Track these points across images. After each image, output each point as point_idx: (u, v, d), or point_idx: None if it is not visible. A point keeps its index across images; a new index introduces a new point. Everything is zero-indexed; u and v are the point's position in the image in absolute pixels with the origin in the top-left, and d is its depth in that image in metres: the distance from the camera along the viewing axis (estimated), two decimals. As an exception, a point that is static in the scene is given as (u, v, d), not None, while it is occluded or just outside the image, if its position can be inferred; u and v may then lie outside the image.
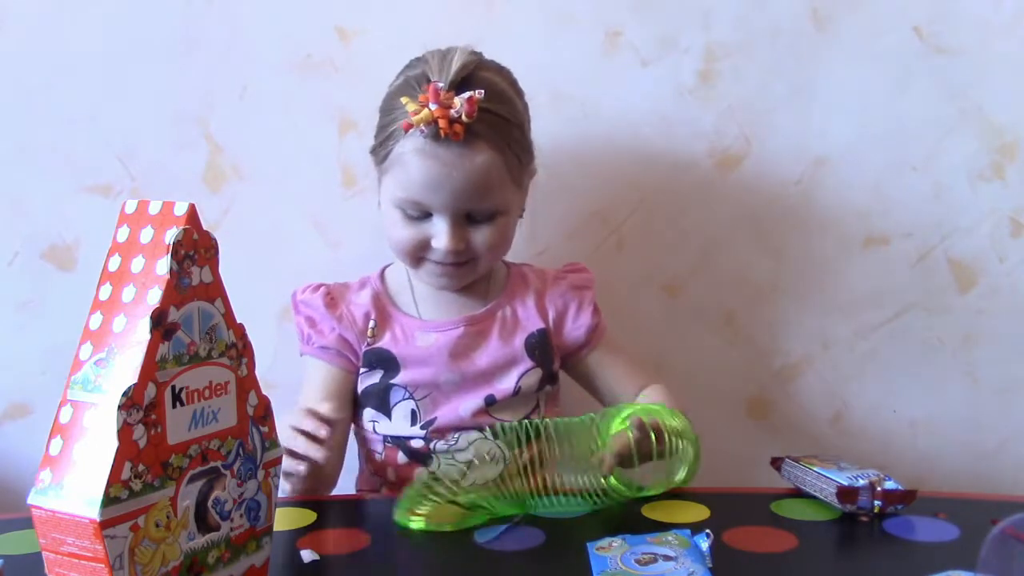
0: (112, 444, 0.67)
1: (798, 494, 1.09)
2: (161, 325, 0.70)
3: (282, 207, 1.34)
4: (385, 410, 1.19)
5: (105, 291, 0.72)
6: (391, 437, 1.19)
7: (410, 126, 1.08)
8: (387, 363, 1.19)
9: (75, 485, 0.68)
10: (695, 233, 1.40)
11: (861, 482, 1.03)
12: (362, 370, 1.20)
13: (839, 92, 1.38)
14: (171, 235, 0.71)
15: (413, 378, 1.18)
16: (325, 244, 1.35)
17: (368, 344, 1.19)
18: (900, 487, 1.04)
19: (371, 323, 1.20)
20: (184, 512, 0.73)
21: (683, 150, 1.38)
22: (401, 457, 1.19)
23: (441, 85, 1.08)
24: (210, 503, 0.75)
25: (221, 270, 0.75)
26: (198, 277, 0.73)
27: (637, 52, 1.36)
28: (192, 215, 0.72)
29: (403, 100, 1.10)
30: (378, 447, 1.20)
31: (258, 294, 1.32)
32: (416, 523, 0.97)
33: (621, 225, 1.39)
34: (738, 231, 1.40)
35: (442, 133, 1.07)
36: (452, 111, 1.07)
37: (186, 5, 1.30)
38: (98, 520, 0.66)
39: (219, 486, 0.75)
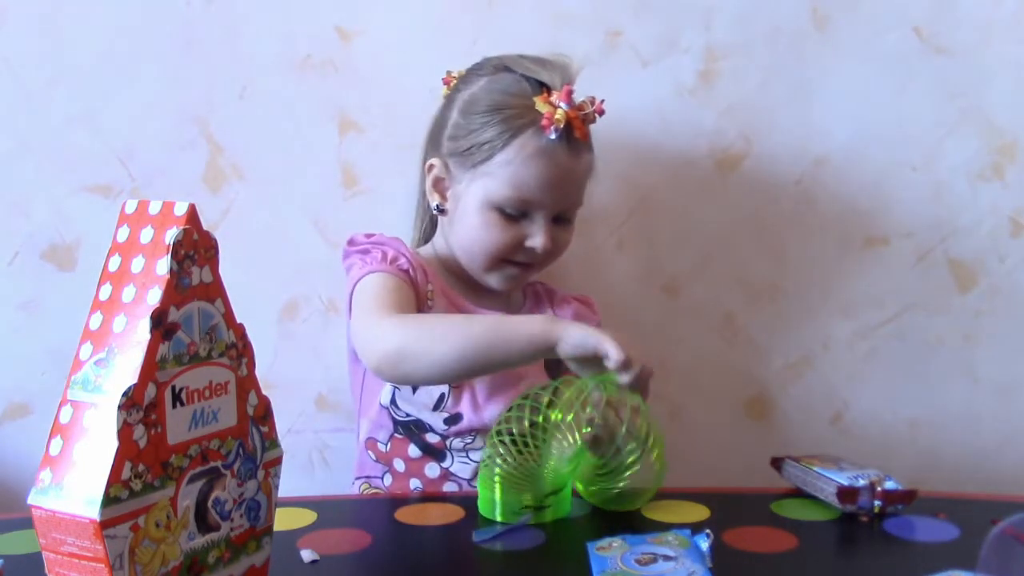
0: (112, 444, 0.67)
1: (798, 494, 1.10)
2: (161, 325, 0.70)
3: (282, 207, 1.34)
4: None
5: (105, 291, 0.72)
6: (402, 424, 1.18)
7: (549, 125, 1.10)
8: None
9: (75, 485, 0.68)
10: (695, 233, 1.40)
11: (861, 482, 1.03)
12: None
13: (839, 92, 1.38)
14: (171, 235, 0.71)
15: None
16: (325, 244, 1.35)
17: (428, 306, 1.17)
18: (900, 487, 1.04)
19: (429, 285, 1.18)
20: (184, 512, 0.73)
21: (683, 150, 1.38)
22: (413, 450, 1.18)
23: (573, 88, 1.12)
24: (210, 503, 0.75)
25: (221, 270, 0.75)
26: (198, 277, 0.73)
27: (637, 52, 1.36)
28: (192, 215, 0.72)
29: (536, 100, 1.12)
30: (382, 436, 1.19)
31: (258, 294, 1.33)
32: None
33: (621, 225, 1.39)
34: (738, 231, 1.40)
35: (577, 134, 1.12)
36: (582, 113, 1.12)
37: (186, 5, 1.30)
38: (98, 520, 0.66)
39: (219, 486, 0.75)
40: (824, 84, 1.37)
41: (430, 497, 1.12)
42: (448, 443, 1.17)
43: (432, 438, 1.17)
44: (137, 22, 1.30)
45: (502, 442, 1.00)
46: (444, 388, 1.16)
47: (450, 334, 1.03)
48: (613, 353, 0.97)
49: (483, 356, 1.02)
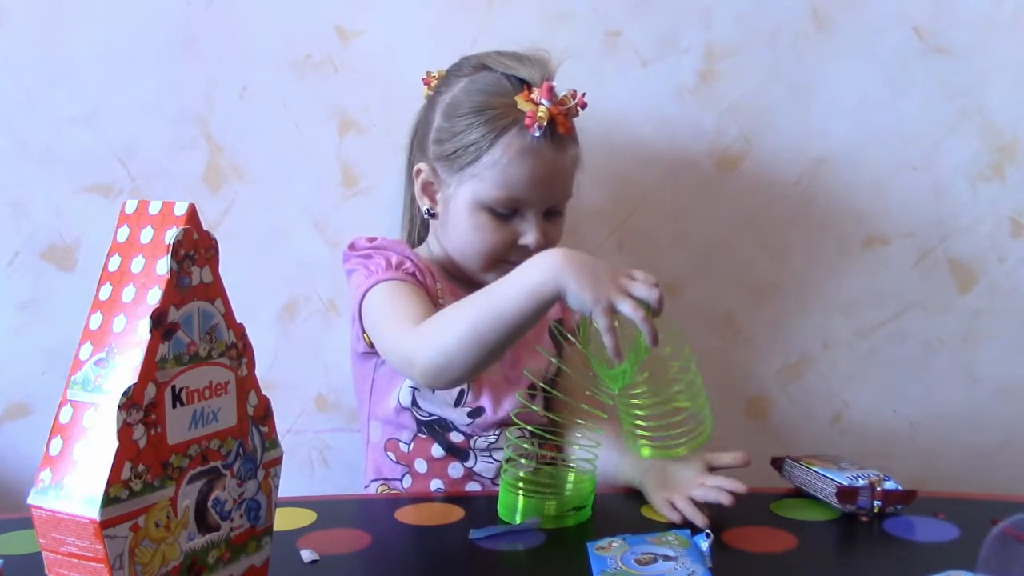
0: (112, 444, 0.67)
1: (798, 494, 1.10)
2: (161, 325, 0.70)
3: (282, 207, 1.34)
4: None
5: (105, 291, 0.72)
6: (426, 424, 1.17)
7: (533, 123, 1.10)
8: None
9: (75, 485, 0.68)
10: (695, 233, 1.40)
11: (861, 482, 1.03)
12: None
13: (839, 92, 1.38)
14: (171, 235, 0.71)
15: None
16: (325, 244, 1.35)
17: (440, 305, 1.15)
18: (900, 487, 1.04)
19: (438, 285, 1.18)
20: (184, 512, 0.73)
21: (683, 150, 1.38)
22: (437, 450, 1.17)
23: (554, 84, 1.12)
24: (210, 503, 0.75)
25: (221, 270, 0.75)
26: (198, 277, 0.73)
27: (637, 52, 1.36)
28: (192, 215, 0.72)
29: (517, 99, 1.12)
30: (405, 436, 1.18)
31: (258, 294, 1.33)
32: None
33: (621, 225, 1.39)
34: (738, 231, 1.40)
35: (560, 129, 1.11)
36: (565, 108, 1.12)
37: (186, 5, 1.30)
38: (98, 520, 0.66)
39: (219, 486, 0.75)
40: (824, 84, 1.37)
41: (433, 498, 1.12)
42: (472, 442, 1.17)
43: (456, 437, 1.17)
44: (137, 22, 1.30)
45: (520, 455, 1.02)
46: (463, 384, 1.15)
47: (463, 321, 0.99)
48: (607, 336, 0.94)
49: (498, 326, 0.98)
